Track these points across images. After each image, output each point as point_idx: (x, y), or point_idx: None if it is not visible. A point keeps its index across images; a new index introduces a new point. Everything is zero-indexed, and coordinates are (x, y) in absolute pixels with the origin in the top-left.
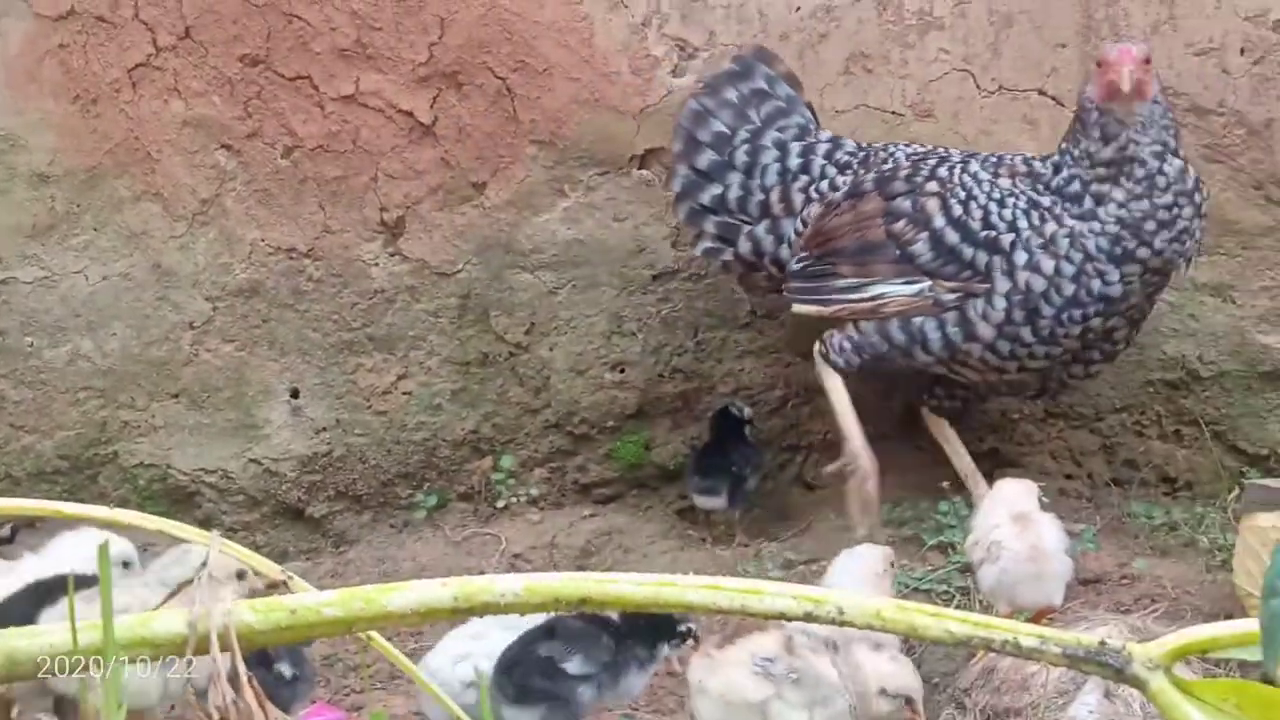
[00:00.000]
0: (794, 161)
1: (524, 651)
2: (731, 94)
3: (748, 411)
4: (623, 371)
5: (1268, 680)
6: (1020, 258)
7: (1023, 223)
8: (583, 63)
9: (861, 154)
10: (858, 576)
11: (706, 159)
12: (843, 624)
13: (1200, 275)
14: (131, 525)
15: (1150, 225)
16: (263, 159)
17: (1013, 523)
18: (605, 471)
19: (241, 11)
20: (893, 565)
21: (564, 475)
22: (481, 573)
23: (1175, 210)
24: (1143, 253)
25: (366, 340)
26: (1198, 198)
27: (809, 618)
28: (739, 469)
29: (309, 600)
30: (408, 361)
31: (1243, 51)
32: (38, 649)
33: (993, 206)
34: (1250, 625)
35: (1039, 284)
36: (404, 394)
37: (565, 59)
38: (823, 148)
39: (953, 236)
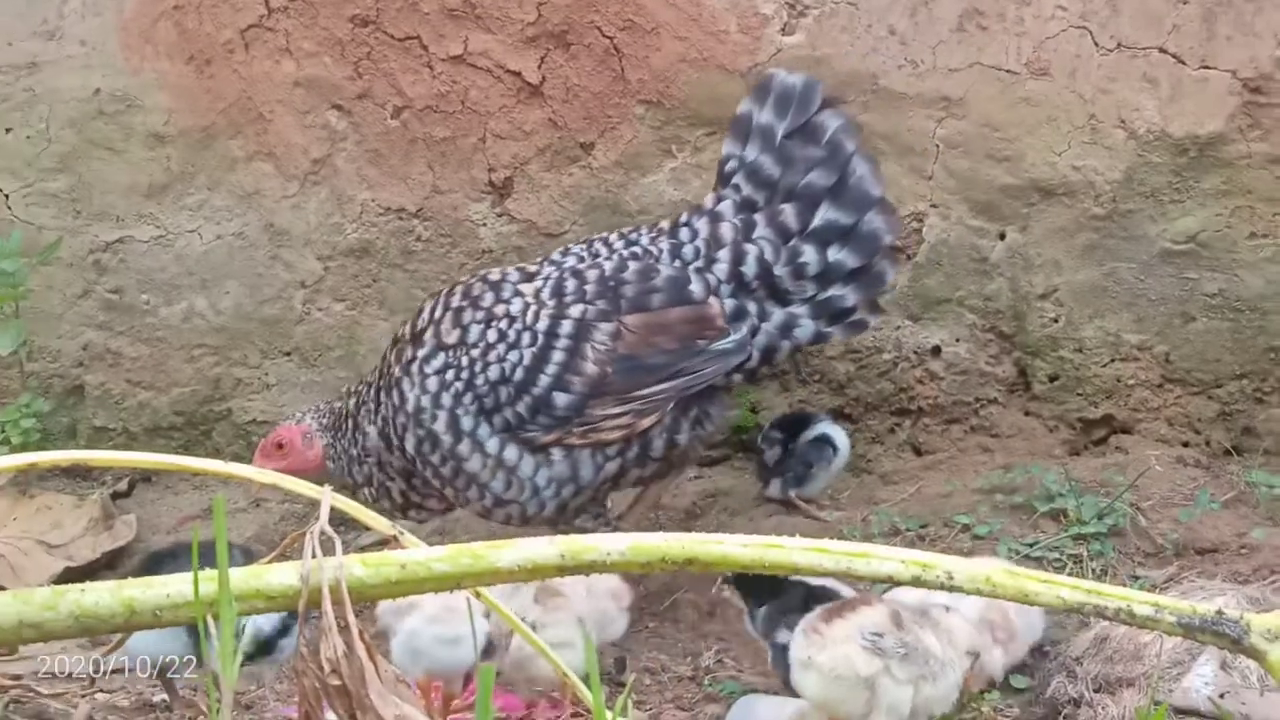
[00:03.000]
0: None
1: None
2: None
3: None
4: None
5: None
6: None
7: None
8: (690, 21)
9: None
10: None
11: None
12: (951, 589)
13: None
14: (246, 479)
15: None
16: (373, 119)
17: None
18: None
19: None
20: None
21: None
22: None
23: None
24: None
25: None
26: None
27: (917, 581)
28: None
29: (419, 556)
30: None
31: None
32: (155, 599)
33: None
34: None
35: None
36: None
37: (673, 18)
38: None
39: None
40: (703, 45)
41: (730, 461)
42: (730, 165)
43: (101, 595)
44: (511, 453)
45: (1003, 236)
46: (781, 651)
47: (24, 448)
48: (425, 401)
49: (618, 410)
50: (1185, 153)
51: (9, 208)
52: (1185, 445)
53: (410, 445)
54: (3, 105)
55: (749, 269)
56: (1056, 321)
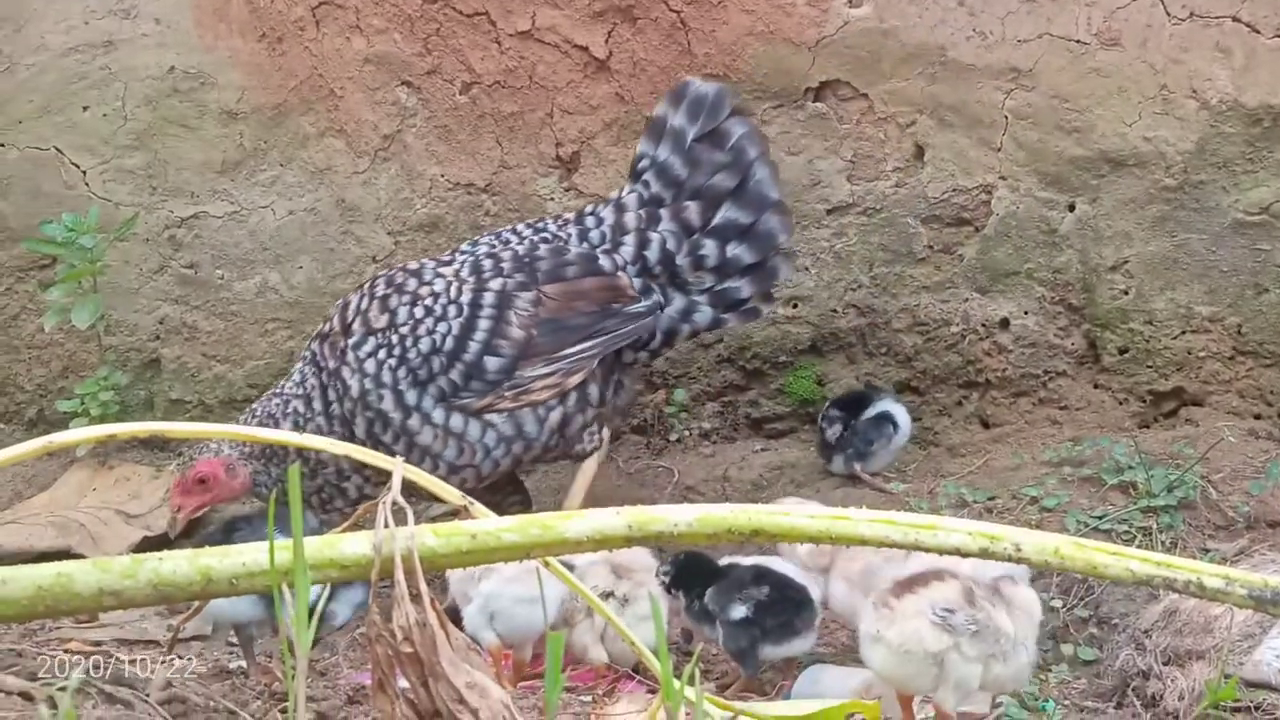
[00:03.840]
0: None
1: None
2: None
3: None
4: (796, 306)
5: None
6: None
7: None
8: None
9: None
10: None
11: None
12: (1019, 560)
13: None
14: (319, 451)
15: None
16: (442, 95)
17: None
18: (777, 406)
19: None
20: None
21: (736, 409)
22: (654, 504)
23: None
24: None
25: None
26: None
27: (985, 554)
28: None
29: (489, 526)
30: None
31: None
32: (231, 567)
33: None
34: None
35: None
36: None
37: None
38: None
39: None
40: (769, 18)
41: (797, 434)
42: (643, 163)
43: (179, 563)
44: (457, 421)
45: (1072, 208)
46: (734, 627)
47: (103, 419)
48: (368, 384)
49: (546, 370)
50: (1259, 123)
51: (87, 184)
52: (1257, 418)
53: (361, 429)
54: (80, 83)
55: (652, 254)
56: (1127, 293)
